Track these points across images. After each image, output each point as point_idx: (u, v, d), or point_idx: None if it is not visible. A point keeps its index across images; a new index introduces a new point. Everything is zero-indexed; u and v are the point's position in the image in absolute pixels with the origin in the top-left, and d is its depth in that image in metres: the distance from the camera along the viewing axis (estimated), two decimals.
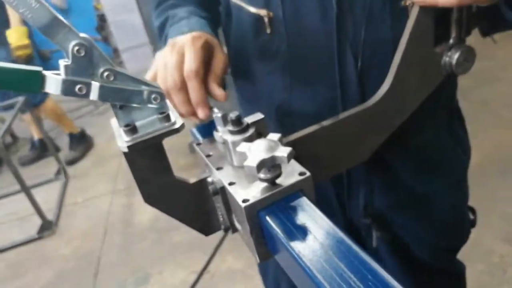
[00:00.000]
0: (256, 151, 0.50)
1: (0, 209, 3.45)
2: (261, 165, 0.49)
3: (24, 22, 3.37)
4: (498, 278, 1.93)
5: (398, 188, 0.90)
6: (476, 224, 1.04)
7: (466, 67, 0.70)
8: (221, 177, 0.56)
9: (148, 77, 0.71)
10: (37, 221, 2.98)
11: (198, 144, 0.66)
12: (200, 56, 0.67)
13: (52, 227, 3.01)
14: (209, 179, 0.59)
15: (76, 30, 0.45)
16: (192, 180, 0.60)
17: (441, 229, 0.97)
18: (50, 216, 3.08)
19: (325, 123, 0.67)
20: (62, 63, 0.46)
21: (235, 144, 0.56)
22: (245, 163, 0.49)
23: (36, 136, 4.00)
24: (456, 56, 0.69)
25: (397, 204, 0.92)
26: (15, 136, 4.61)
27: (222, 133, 0.59)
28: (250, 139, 0.56)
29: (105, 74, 0.48)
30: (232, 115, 0.57)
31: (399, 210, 0.93)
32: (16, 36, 3.39)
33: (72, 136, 4.03)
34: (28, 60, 3.46)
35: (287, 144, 0.61)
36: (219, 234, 0.62)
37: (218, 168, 0.58)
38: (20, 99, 3.22)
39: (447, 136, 0.91)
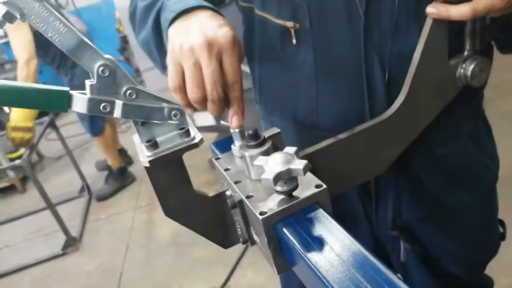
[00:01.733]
0: (272, 164, 0.51)
1: (27, 226, 3.53)
2: (278, 178, 0.50)
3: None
4: None
5: (426, 200, 0.89)
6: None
7: (481, 78, 0.70)
8: (239, 190, 0.58)
9: (172, 78, 0.60)
10: (62, 238, 3.04)
11: (217, 158, 0.68)
12: (240, 63, 0.62)
13: (76, 243, 3.06)
14: (228, 193, 0.61)
15: (101, 52, 0.48)
16: (211, 193, 0.62)
17: (471, 242, 0.96)
18: (74, 232, 3.13)
19: (341, 136, 0.68)
20: (88, 82, 0.49)
21: (253, 158, 0.57)
22: (262, 176, 0.50)
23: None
24: (471, 67, 0.69)
25: (426, 216, 0.90)
26: (41, 155, 4.74)
27: (240, 147, 0.61)
28: (267, 153, 0.57)
29: (128, 92, 0.50)
30: (249, 129, 0.59)
31: (428, 222, 0.91)
32: (21, 115, 2.67)
33: (110, 170, 3.66)
34: (22, 145, 2.82)
35: (303, 157, 0.62)
36: (239, 248, 0.63)
37: (236, 182, 0.60)
38: (47, 118, 3.31)
39: (474, 146, 0.89)
